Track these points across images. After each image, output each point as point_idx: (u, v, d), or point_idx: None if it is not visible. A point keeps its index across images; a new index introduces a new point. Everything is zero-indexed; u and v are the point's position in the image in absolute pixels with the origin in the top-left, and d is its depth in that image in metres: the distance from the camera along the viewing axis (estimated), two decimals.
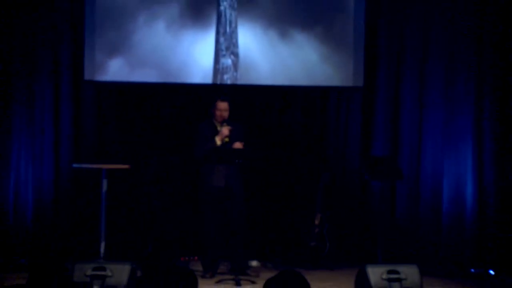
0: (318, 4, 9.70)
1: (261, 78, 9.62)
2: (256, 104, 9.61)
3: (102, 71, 9.62)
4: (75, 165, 9.12)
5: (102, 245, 8.67)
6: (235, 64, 9.42)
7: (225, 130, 8.41)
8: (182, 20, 9.69)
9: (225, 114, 8.53)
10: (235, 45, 9.43)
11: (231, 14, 9.45)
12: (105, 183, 8.73)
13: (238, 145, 8.37)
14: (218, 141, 8.39)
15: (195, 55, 9.61)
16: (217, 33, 9.45)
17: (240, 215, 8.55)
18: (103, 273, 6.86)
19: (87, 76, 9.46)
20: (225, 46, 9.41)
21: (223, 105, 8.52)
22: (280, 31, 9.66)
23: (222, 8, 9.42)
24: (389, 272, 7.01)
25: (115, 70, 9.67)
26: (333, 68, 9.61)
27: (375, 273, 7.00)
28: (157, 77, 9.72)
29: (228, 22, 9.43)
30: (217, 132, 8.43)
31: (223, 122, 8.50)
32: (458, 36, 9.49)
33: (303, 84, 9.71)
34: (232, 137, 8.42)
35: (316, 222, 9.36)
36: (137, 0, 9.71)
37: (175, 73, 9.67)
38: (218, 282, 8.15)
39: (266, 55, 9.62)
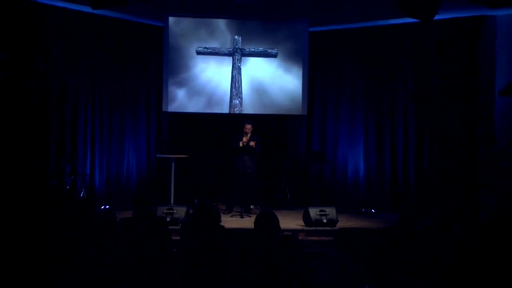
0: (288, 61, 9.21)
1: (260, 109, 9.24)
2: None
3: (172, 99, 9.01)
4: (158, 155, 9.13)
5: (171, 197, 8.62)
6: (241, 103, 9.05)
7: (244, 139, 8.28)
8: (222, 60, 9.13)
9: (249, 131, 8.30)
10: (241, 93, 9.05)
11: (238, 77, 9.08)
12: (173, 165, 8.67)
13: (252, 143, 8.28)
14: (240, 144, 8.29)
15: (228, 91, 9.13)
16: (231, 86, 9.04)
17: (251, 183, 8.47)
18: (171, 211, 7.12)
19: (163, 107, 9.04)
20: (235, 93, 9.04)
21: (248, 126, 8.32)
22: (274, 74, 9.18)
23: (233, 74, 9.05)
24: (320, 211, 7.22)
25: (180, 98, 9.03)
26: (298, 102, 9.19)
27: (313, 211, 7.22)
28: (205, 104, 9.07)
29: (236, 81, 9.07)
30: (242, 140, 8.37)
31: (247, 134, 8.32)
32: (357, 87, 9.39)
33: (286, 110, 9.29)
34: (251, 140, 8.29)
35: (283, 184, 9.35)
36: (196, 41, 9.04)
37: (218, 100, 9.11)
38: (232, 216, 8.15)
39: (264, 91, 9.21)
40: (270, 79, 9.25)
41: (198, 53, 9.10)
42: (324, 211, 7.26)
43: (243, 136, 8.36)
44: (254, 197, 8.78)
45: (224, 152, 9.17)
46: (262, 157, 9.23)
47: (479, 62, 8.47)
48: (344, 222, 7.58)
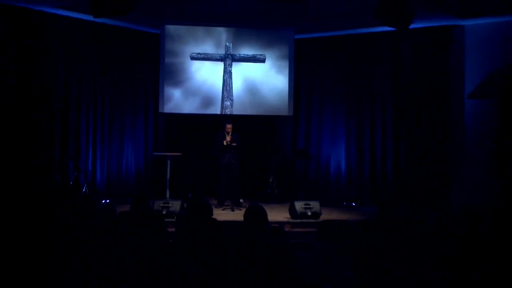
0: (277, 67, 9.17)
1: (250, 110, 9.14)
2: (240, 123, 8.96)
3: (168, 100, 8.92)
4: (155, 153, 9.11)
5: (167, 192, 8.57)
6: (231, 105, 9.01)
7: (227, 138, 8.36)
8: (216, 63, 9.06)
9: (230, 130, 8.37)
10: (231, 95, 9.00)
11: (229, 81, 9.02)
12: (169, 162, 8.60)
13: (233, 144, 8.33)
14: (224, 143, 8.34)
15: (220, 92, 9.07)
16: (222, 89, 8.98)
17: (235, 178, 8.44)
18: (167, 205, 7.05)
19: (160, 108, 8.99)
20: (226, 96, 8.99)
21: (229, 126, 8.39)
22: (262, 77, 9.10)
23: (224, 78, 9.01)
24: (305, 204, 7.19)
25: (176, 98, 8.95)
26: (285, 103, 9.14)
27: (299, 205, 7.19)
28: (199, 104, 8.98)
29: (227, 84, 9.02)
30: (225, 139, 8.41)
31: (228, 133, 8.39)
32: (339, 90, 9.38)
33: (274, 111, 9.23)
34: (232, 140, 8.34)
35: (270, 180, 9.30)
36: (190, 46, 8.97)
37: (211, 102, 9.02)
38: (223, 209, 8.12)
39: (253, 93, 9.13)
40: (259, 82, 9.23)
41: (192, 58, 9.07)
42: (309, 204, 7.25)
43: (226, 135, 8.41)
44: (239, 189, 8.77)
45: (211, 150, 9.11)
46: (251, 154, 9.21)
47: (450, 67, 8.58)
48: (327, 215, 7.59)
